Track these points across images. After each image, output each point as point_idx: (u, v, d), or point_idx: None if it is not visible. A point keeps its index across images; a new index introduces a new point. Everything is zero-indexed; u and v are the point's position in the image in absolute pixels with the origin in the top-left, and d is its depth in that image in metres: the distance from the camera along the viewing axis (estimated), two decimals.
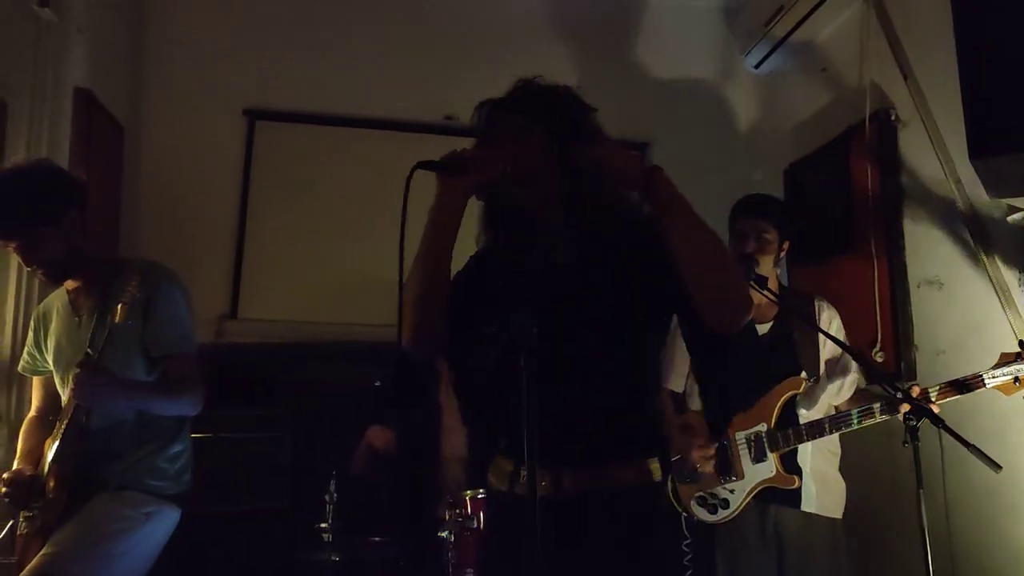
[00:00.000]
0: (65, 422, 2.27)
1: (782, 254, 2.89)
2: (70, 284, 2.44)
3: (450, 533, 2.99)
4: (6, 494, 2.33)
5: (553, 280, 1.68)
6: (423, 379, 4.01)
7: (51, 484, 2.27)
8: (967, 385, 2.45)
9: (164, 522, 2.38)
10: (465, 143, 4.51)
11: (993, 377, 2.41)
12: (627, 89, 4.54)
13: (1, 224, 2.26)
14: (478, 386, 1.79)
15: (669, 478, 2.86)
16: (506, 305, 1.49)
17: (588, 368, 1.64)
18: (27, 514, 2.35)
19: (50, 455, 2.32)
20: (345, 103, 4.26)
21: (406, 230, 1.61)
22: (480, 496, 3.06)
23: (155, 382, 2.39)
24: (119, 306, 2.15)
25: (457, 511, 3.03)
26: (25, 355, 2.56)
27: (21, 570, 2.23)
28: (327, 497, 3.23)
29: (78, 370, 2.21)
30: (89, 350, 2.22)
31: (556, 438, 1.47)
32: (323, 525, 3.20)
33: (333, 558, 3.21)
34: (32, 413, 2.57)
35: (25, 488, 2.33)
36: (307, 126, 4.24)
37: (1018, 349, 2.43)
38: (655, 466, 1.69)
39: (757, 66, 4.36)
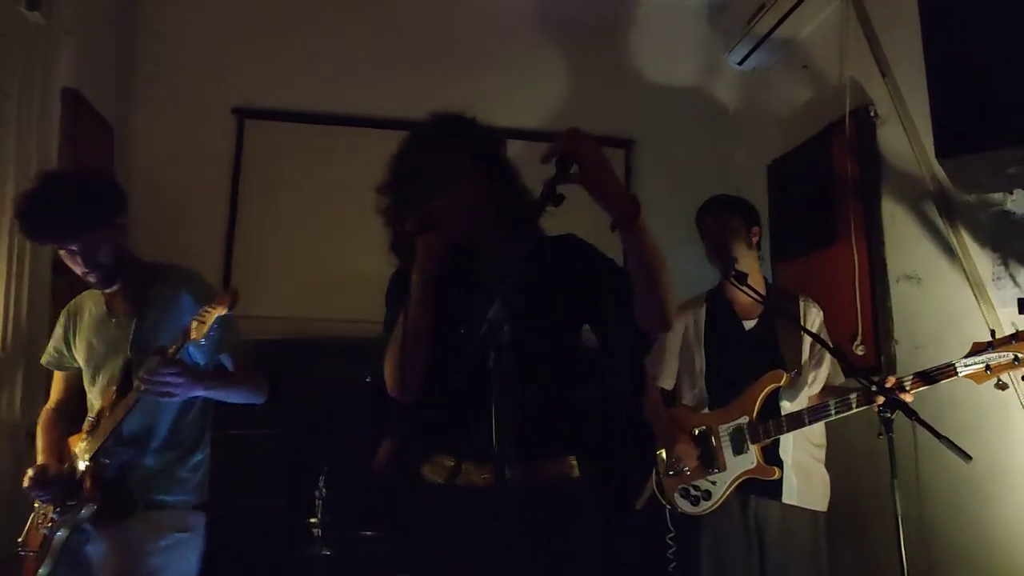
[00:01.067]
0: (104, 421, 2.34)
1: (755, 240, 2.95)
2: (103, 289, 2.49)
3: None
4: (34, 490, 2.35)
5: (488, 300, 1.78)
6: None
7: (88, 483, 2.31)
8: (940, 374, 2.50)
9: (196, 539, 2.44)
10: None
11: (965, 366, 2.46)
12: (612, 86, 4.60)
13: (65, 227, 2.30)
14: (435, 388, 1.87)
15: (654, 471, 2.93)
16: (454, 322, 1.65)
17: (524, 377, 1.71)
18: (45, 510, 2.42)
19: (83, 452, 2.36)
20: (334, 102, 4.30)
21: None
22: None
23: (229, 372, 2.49)
24: (193, 323, 2.21)
25: None
26: (51, 350, 2.60)
27: (38, 564, 2.31)
28: (317, 493, 3.28)
29: (154, 362, 2.23)
30: (169, 346, 2.25)
31: (497, 435, 1.59)
32: (313, 520, 3.25)
33: (324, 552, 3.26)
34: (50, 405, 2.62)
35: (54, 485, 2.36)
36: (296, 125, 4.27)
37: (990, 339, 2.49)
38: (574, 462, 1.87)
39: (740, 63, 4.41)
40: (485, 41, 4.54)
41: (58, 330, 2.61)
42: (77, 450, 2.38)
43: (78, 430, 2.50)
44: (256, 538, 3.43)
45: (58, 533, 2.34)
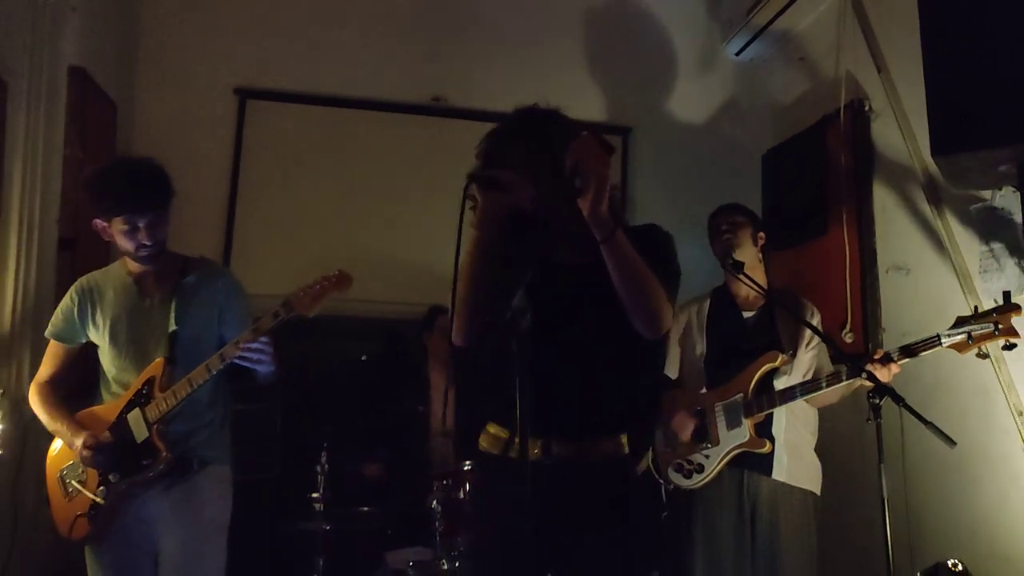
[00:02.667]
0: (167, 389, 2.49)
1: (760, 241, 3.06)
2: (135, 268, 2.64)
3: (438, 503, 3.12)
4: (93, 458, 2.49)
5: (562, 277, 1.90)
6: (411, 357, 4.14)
7: (161, 446, 2.48)
8: (925, 345, 2.60)
9: (231, 492, 2.68)
10: (452, 124, 4.62)
11: (948, 336, 2.57)
12: (611, 74, 4.65)
13: (150, 199, 2.51)
14: (486, 362, 1.95)
15: (650, 448, 3.03)
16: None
17: (582, 354, 1.88)
18: (81, 476, 2.55)
19: (137, 419, 2.50)
20: (335, 84, 4.34)
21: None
22: (467, 468, 3.19)
23: None
24: (265, 318, 2.43)
25: (445, 482, 3.17)
26: (60, 322, 2.67)
27: (97, 525, 2.49)
28: (319, 468, 3.34)
29: (250, 333, 2.42)
30: (272, 313, 2.43)
31: (550, 412, 1.75)
32: (315, 495, 3.32)
33: (324, 527, 3.33)
34: (43, 379, 2.68)
35: (109, 451, 2.50)
36: (297, 106, 4.31)
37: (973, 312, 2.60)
38: (624, 440, 1.95)
39: (738, 53, 4.47)
40: (484, 27, 4.57)
41: (68, 304, 2.67)
42: (131, 417, 2.52)
43: (76, 402, 2.64)
44: (249, 511, 3.50)
45: (119, 493, 2.50)
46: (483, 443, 2.01)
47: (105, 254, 3.74)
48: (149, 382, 2.52)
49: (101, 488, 2.51)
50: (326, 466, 3.35)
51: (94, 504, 2.51)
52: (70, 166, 3.38)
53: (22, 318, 3.09)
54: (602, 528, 1.86)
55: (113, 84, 3.84)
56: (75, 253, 3.40)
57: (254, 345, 2.41)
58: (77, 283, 2.72)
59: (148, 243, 2.54)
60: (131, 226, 2.51)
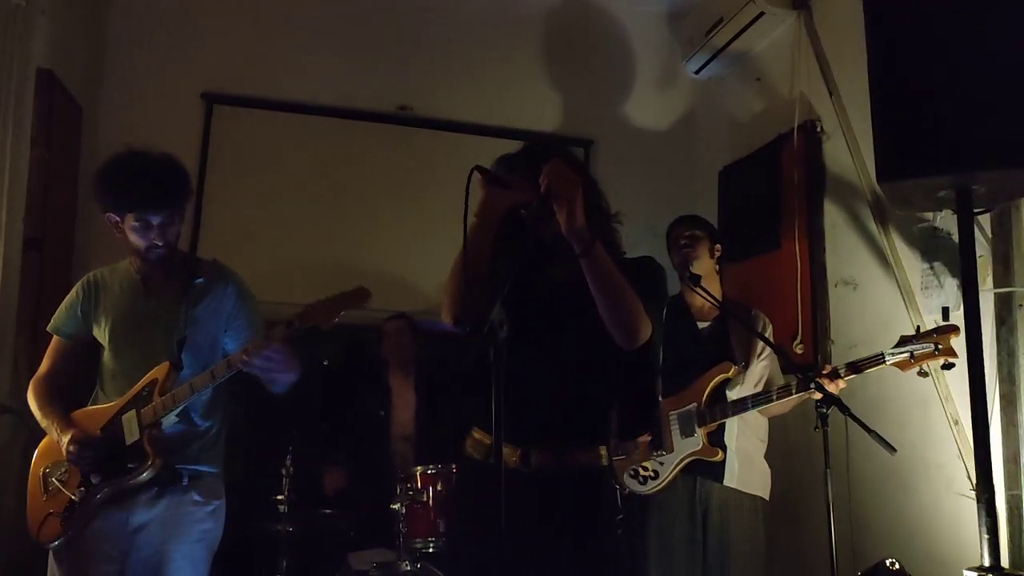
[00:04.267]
0: (166, 392, 2.39)
1: (716, 254, 3.19)
2: (139, 265, 2.55)
3: (401, 505, 3.19)
4: (78, 456, 2.37)
5: (550, 292, 2.01)
6: (372, 364, 4.20)
7: (150, 449, 2.36)
8: (870, 363, 2.76)
9: (223, 506, 2.58)
10: (417, 133, 4.66)
11: (892, 355, 2.72)
12: (572, 87, 4.75)
13: (166, 197, 2.43)
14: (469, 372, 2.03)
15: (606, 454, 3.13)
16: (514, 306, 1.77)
17: (565, 366, 1.99)
18: (63, 475, 2.44)
19: (130, 420, 2.40)
20: (302, 90, 4.37)
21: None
22: (429, 472, 3.27)
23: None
24: (279, 327, 2.33)
25: (408, 485, 3.24)
26: (64, 317, 2.57)
27: (66, 526, 2.36)
28: (283, 470, 3.37)
29: (263, 340, 2.33)
30: (285, 322, 2.34)
31: (529, 421, 1.86)
32: (279, 497, 3.35)
33: (288, 529, 3.37)
34: (42, 375, 2.58)
35: (97, 450, 2.38)
36: (264, 112, 4.33)
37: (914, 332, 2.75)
38: (603, 452, 2.06)
39: (697, 71, 4.59)
40: (450, 38, 4.64)
41: (73, 299, 2.59)
42: (125, 418, 2.41)
43: (72, 400, 2.55)
44: None
45: (98, 496, 2.38)
46: (468, 447, 2.08)
47: (70, 254, 3.76)
48: (151, 384, 2.42)
49: (81, 488, 2.39)
50: (290, 468, 3.38)
51: (70, 504, 2.39)
52: (36, 167, 3.38)
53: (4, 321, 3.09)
54: (576, 537, 1.94)
55: (80, 87, 3.84)
56: (41, 253, 3.41)
57: (266, 354, 2.32)
58: (84, 278, 2.63)
59: (160, 243, 2.45)
60: (144, 224, 2.42)
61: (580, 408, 2.02)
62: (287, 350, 2.36)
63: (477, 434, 2.08)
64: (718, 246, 3.20)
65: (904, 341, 2.72)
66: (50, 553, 2.41)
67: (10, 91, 3.20)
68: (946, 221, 2.88)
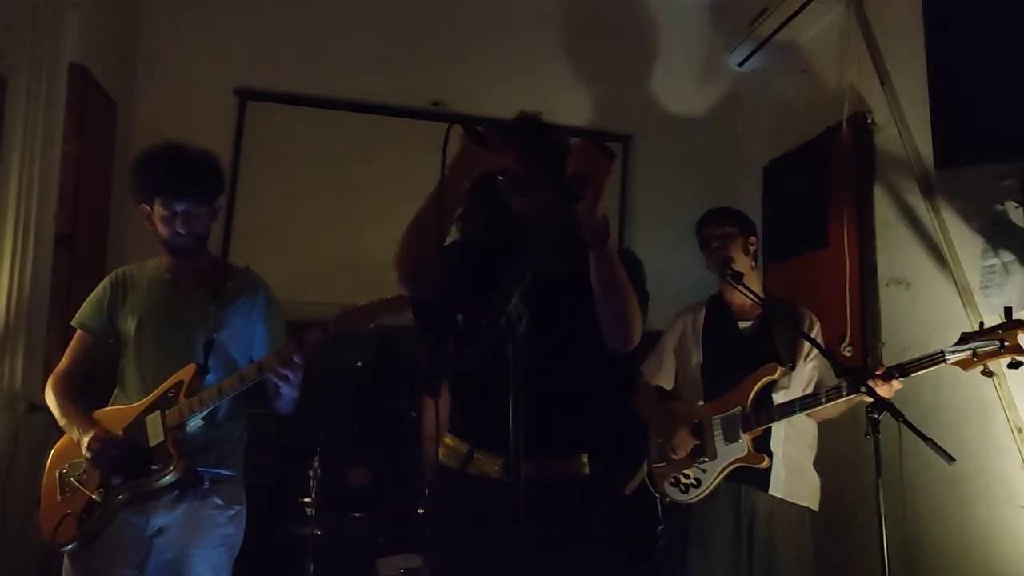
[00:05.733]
0: (193, 394, 2.37)
1: (752, 248, 3.04)
2: (169, 263, 2.54)
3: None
4: (99, 455, 2.33)
5: (531, 288, 1.82)
6: (405, 362, 4.13)
7: (174, 451, 2.33)
8: (929, 362, 2.57)
9: (245, 511, 2.54)
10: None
11: (953, 353, 2.53)
12: (610, 82, 4.64)
13: (190, 184, 2.43)
14: (456, 370, 1.92)
15: (646, 461, 3.00)
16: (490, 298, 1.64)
17: (553, 371, 1.82)
18: (80, 476, 2.39)
19: (155, 422, 2.36)
20: (336, 86, 4.31)
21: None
22: None
23: None
24: (314, 330, 2.33)
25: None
26: (91, 312, 2.55)
27: (84, 527, 2.32)
28: (311, 473, 3.31)
29: (288, 348, 2.32)
30: (321, 325, 2.34)
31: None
32: (307, 500, 3.29)
33: (315, 532, 3.31)
34: (62, 370, 2.54)
35: (120, 450, 2.35)
36: (298, 108, 4.27)
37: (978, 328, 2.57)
38: (585, 460, 1.95)
39: (741, 64, 4.46)
40: (487, 32, 4.56)
41: (100, 294, 2.56)
42: (149, 419, 2.37)
43: (90, 399, 2.52)
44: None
45: (119, 497, 2.34)
46: (441, 454, 1.96)
47: (103, 251, 3.74)
48: (177, 386, 2.39)
49: (101, 489, 2.34)
50: (318, 471, 3.32)
51: (88, 505, 2.33)
52: (68, 163, 3.36)
53: (16, 315, 3.08)
54: (562, 547, 1.82)
55: (113, 82, 3.82)
56: (73, 250, 3.39)
57: (296, 360, 2.30)
58: (112, 273, 2.61)
59: (183, 231, 2.44)
60: (169, 211, 2.42)
61: (564, 414, 1.89)
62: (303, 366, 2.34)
63: (450, 440, 1.95)
64: (752, 239, 3.05)
65: (965, 338, 2.54)
66: (65, 556, 2.36)
67: (41, 86, 3.18)
68: (1009, 213, 2.69)
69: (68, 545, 2.34)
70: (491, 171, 1.83)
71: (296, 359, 2.30)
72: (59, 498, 2.41)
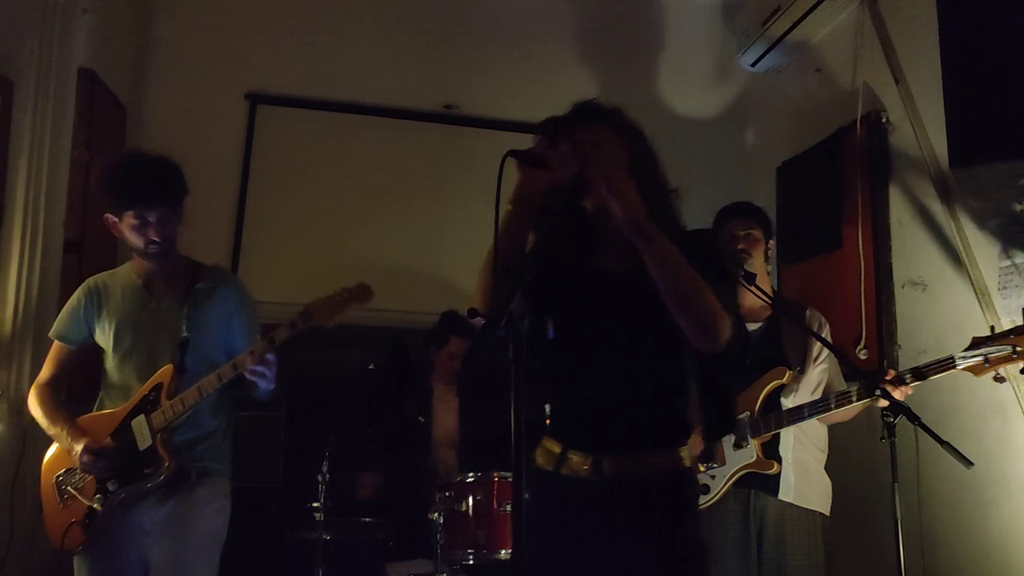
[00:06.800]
0: (175, 396, 2.42)
1: (768, 252, 3.00)
2: (144, 270, 2.60)
3: (439, 515, 3.06)
4: (92, 466, 2.41)
5: (608, 284, 1.85)
6: (416, 366, 4.10)
7: (164, 453, 2.40)
8: (940, 367, 2.52)
9: (229, 506, 2.59)
10: (463, 132, 4.61)
11: (963, 359, 2.48)
12: (623, 83, 4.58)
13: (162, 194, 2.48)
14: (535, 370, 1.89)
15: None
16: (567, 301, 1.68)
17: (632, 366, 1.81)
18: (78, 483, 2.48)
19: (141, 425, 2.43)
20: (346, 90, 4.31)
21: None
22: (468, 480, 3.13)
23: None
24: (283, 327, 2.39)
25: (447, 493, 3.11)
26: (65, 322, 2.61)
27: (88, 532, 2.41)
28: (320, 477, 3.29)
29: (262, 346, 2.38)
30: (288, 323, 2.41)
31: (599, 426, 1.73)
32: (315, 504, 3.27)
33: (324, 537, 3.28)
34: (44, 380, 2.61)
35: (110, 458, 2.43)
36: (308, 111, 4.28)
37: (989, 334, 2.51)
38: (684, 453, 1.87)
39: (753, 64, 4.41)
40: (499, 35, 4.55)
41: (75, 304, 2.61)
42: (135, 423, 2.45)
43: (75, 406, 2.59)
44: (252, 519, 3.47)
45: (118, 500, 2.42)
46: (539, 458, 1.92)
47: (112, 257, 3.74)
48: (157, 388, 2.45)
49: (99, 496, 2.43)
50: (327, 475, 3.29)
51: (90, 512, 2.43)
52: (77, 168, 3.36)
53: (24, 320, 3.09)
54: (655, 549, 1.77)
55: (123, 87, 3.84)
56: (81, 256, 3.39)
57: (269, 357, 2.36)
58: (85, 283, 2.66)
59: (157, 239, 2.49)
60: (141, 221, 2.46)
61: (654, 409, 1.83)
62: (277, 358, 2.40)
63: (548, 443, 1.91)
64: (771, 242, 3.02)
65: (977, 343, 2.47)
66: (74, 559, 2.46)
67: (49, 90, 3.20)
68: None
69: (76, 549, 2.44)
70: (554, 187, 1.76)
71: (268, 356, 2.36)
72: (60, 506, 2.50)
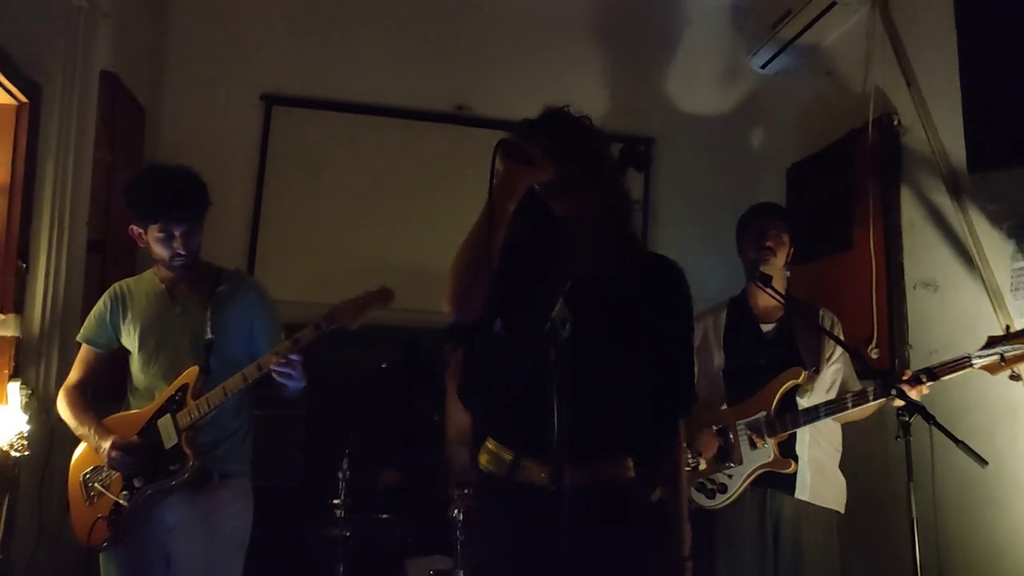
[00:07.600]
0: (200, 396, 2.50)
1: (788, 258, 3.05)
2: (167, 275, 2.68)
3: (458, 512, 3.11)
4: (119, 462, 2.48)
5: (576, 292, 1.79)
6: (429, 364, 4.14)
7: (189, 452, 2.48)
8: (956, 366, 2.57)
9: (251, 506, 2.67)
10: (475, 133, 4.64)
11: (980, 357, 2.53)
12: (632, 85, 4.64)
13: (188, 209, 2.57)
14: (495, 375, 1.91)
15: None
16: (533, 303, 1.61)
17: (595, 377, 1.76)
18: (104, 480, 2.55)
19: (168, 425, 2.51)
20: (361, 91, 4.35)
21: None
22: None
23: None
24: (307, 329, 2.47)
25: (465, 490, 3.16)
26: (92, 327, 2.71)
27: (115, 528, 2.48)
28: (340, 474, 3.34)
29: (286, 346, 2.47)
30: (312, 325, 2.49)
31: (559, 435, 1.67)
32: (335, 501, 3.31)
33: (344, 533, 3.33)
34: (72, 383, 2.71)
35: (138, 455, 2.49)
36: (323, 112, 4.31)
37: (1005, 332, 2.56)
38: (630, 463, 1.91)
39: (763, 66, 4.43)
40: (511, 36, 4.57)
41: (101, 309, 2.71)
42: (161, 423, 2.53)
43: (102, 407, 2.66)
44: (272, 517, 3.51)
45: (144, 497, 2.50)
46: (483, 461, 1.93)
47: (133, 257, 3.78)
48: (182, 389, 2.53)
49: (125, 492, 2.51)
50: (347, 472, 3.34)
51: (116, 507, 2.51)
52: (100, 169, 3.41)
53: (51, 320, 3.12)
54: (609, 556, 1.80)
55: (143, 89, 3.88)
56: (104, 256, 3.44)
57: (293, 358, 2.43)
58: (111, 288, 2.75)
59: (183, 252, 2.58)
60: (167, 234, 2.55)
61: (615, 419, 1.85)
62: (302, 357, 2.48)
63: (492, 445, 1.92)
64: (792, 249, 3.06)
65: (993, 342, 2.53)
66: (100, 556, 2.54)
67: (73, 94, 3.23)
68: None
69: (102, 545, 2.52)
70: (537, 183, 1.79)
71: (293, 357, 2.44)
72: (87, 503, 2.58)
